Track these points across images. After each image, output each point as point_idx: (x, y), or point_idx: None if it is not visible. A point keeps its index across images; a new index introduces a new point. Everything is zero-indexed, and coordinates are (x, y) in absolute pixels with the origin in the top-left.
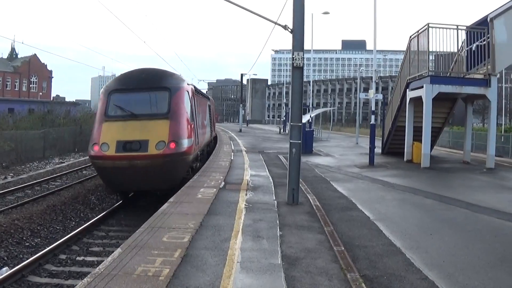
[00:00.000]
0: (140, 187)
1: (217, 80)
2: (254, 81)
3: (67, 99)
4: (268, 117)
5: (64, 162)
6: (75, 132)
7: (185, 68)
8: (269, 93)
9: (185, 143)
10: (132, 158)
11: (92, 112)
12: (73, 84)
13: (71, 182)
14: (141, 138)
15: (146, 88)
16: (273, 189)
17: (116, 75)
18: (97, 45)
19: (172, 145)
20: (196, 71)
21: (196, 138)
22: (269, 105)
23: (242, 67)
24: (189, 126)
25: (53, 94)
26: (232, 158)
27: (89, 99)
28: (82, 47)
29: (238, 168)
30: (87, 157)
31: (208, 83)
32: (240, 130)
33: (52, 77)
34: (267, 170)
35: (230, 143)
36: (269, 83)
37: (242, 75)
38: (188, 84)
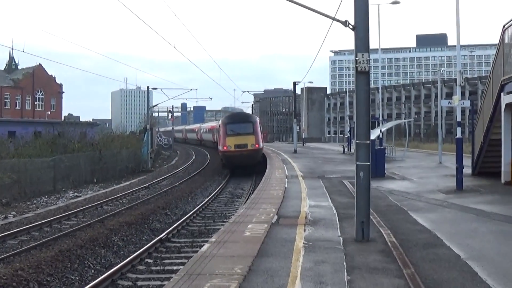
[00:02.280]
0: (243, 164)
1: (264, 91)
2: (309, 91)
3: (82, 119)
4: (329, 133)
5: (80, 196)
6: (93, 158)
7: (224, 78)
8: (329, 104)
9: (261, 144)
10: (241, 151)
11: (114, 134)
12: (89, 100)
13: (90, 221)
14: (244, 142)
15: (242, 122)
16: (337, 222)
17: (141, 88)
18: (117, 52)
19: (256, 145)
20: (239, 79)
21: (262, 142)
22: (329, 119)
23: (294, 74)
24: (261, 137)
25: (64, 113)
26: (286, 185)
27: (109, 117)
28: (99, 55)
29: (293, 198)
30: (109, 189)
31: (254, 94)
32: (295, 151)
33: (63, 92)
34: (329, 199)
35: (283, 167)
36: (328, 91)
37: (294, 84)
38: (257, 118)
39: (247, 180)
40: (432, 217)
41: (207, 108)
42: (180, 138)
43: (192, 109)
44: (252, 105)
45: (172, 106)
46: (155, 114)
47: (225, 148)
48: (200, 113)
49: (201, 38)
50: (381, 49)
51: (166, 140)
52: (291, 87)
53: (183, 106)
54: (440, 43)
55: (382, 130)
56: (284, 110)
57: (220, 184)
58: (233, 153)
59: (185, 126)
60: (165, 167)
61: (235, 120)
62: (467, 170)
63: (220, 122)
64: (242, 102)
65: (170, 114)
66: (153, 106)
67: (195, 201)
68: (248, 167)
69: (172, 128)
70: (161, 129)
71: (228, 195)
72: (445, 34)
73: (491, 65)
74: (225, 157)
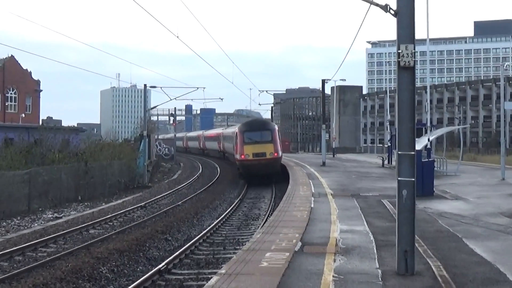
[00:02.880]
0: (261, 173)
1: (287, 90)
2: (341, 90)
3: (64, 123)
4: (365, 142)
5: (61, 217)
6: (78, 172)
7: (238, 74)
8: (365, 107)
9: (280, 153)
10: (260, 160)
11: (104, 142)
12: (73, 100)
13: (72, 247)
14: (262, 151)
15: (260, 129)
16: (375, 251)
17: (137, 86)
18: (108, 42)
19: (275, 154)
20: (255, 76)
21: (281, 151)
22: (365, 125)
23: (322, 69)
24: (280, 145)
25: (42, 116)
26: (312, 205)
27: (98, 122)
28: (86, 46)
29: (321, 221)
30: (96, 209)
31: (274, 94)
32: (323, 164)
33: (41, 91)
34: (365, 223)
35: (309, 184)
36: (365, 91)
37: (323, 82)
38: (276, 126)
39: (264, 199)
40: (493, 246)
41: (216, 111)
42: (181, 147)
43: (198, 112)
44: (272, 107)
45: (175, 108)
46: (154, 118)
47: (242, 156)
48: (208, 116)
49: (210, 26)
50: (430, 39)
51: (166, 149)
52: (319, 86)
53: (188, 108)
54: (504, 32)
55: (431, 138)
56: (310, 113)
57: (232, 204)
58: (251, 162)
59: (186, 133)
60: (166, 183)
61: (253, 127)
62: None
63: (236, 130)
64: (260, 104)
65: (171, 118)
66: (152, 108)
67: (201, 224)
68: (265, 177)
69: (174, 135)
70: (161, 136)
71: (242, 216)
72: (510, 20)
73: None
74: (242, 166)
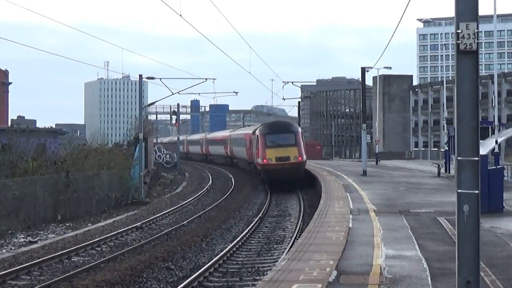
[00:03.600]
0: (284, 178)
1: (318, 81)
2: (386, 81)
3: (39, 124)
4: (416, 146)
5: (35, 242)
6: (57, 184)
7: (257, 61)
8: (416, 102)
9: (304, 157)
10: (283, 165)
11: (90, 147)
12: (51, 95)
13: (50, 279)
14: (286, 155)
15: (283, 132)
16: (429, 282)
17: (130, 76)
18: (94, 23)
19: (300, 158)
20: (278, 64)
21: (305, 154)
22: (416, 124)
23: (362, 55)
24: (304, 149)
25: (12, 115)
26: (350, 225)
27: (82, 122)
28: (67, 28)
29: (361, 244)
30: (81, 230)
31: (302, 87)
32: (364, 173)
33: (9, 84)
34: (416, 247)
35: (347, 197)
36: (415, 82)
37: (363, 70)
38: (300, 128)
39: (290, 217)
40: None
41: (230, 108)
42: (181, 152)
43: (207, 109)
44: (299, 103)
45: (178, 104)
46: (152, 117)
47: (265, 161)
48: (219, 114)
49: (221, 1)
50: (498, 16)
51: (168, 156)
52: (357, 76)
53: (195, 104)
54: None
55: (499, 140)
56: (347, 110)
57: (251, 223)
58: (274, 167)
59: (187, 136)
60: (167, 197)
61: (276, 130)
62: None
63: (257, 132)
64: (284, 99)
65: (174, 117)
66: (149, 105)
67: (212, 249)
68: (288, 183)
69: (177, 138)
70: (161, 140)
71: (263, 239)
72: None
73: None
74: (264, 171)
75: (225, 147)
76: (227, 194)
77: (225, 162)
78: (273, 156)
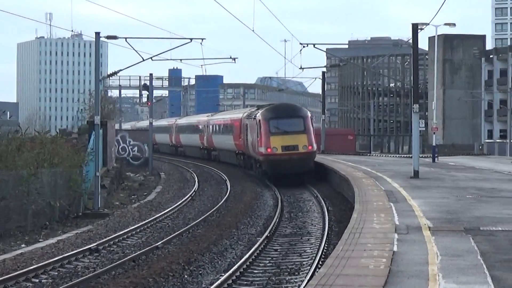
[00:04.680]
0: (292, 171)
1: (350, 43)
2: (448, 43)
3: None
4: (490, 136)
5: None
6: None
7: (263, 13)
8: (490, 73)
9: (314, 146)
10: (290, 155)
11: (24, 136)
12: None
13: None
14: (293, 143)
15: (290, 116)
16: None
17: (83, 36)
18: None
19: (310, 147)
20: (294, 19)
21: (315, 143)
22: (490, 105)
23: (413, 7)
24: (314, 137)
25: None
26: (394, 248)
27: (14, 100)
28: None
29: (411, 276)
30: (10, 254)
31: (328, 51)
32: (415, 174)
33: None
34: (489, 280)
35: (390, 208)
36: (490, 45)
37: (415, 28)
38: (309, 113)
39: (310, 236)
40: None
41: (225, 81)
42: None
43: (193, 82)
44: (324, 73)
45: (151, 75)
46: (114, 93)
47: (268, 150)
48: (210, 90)
49: None
50: None
51: (136, 148)
52: (407, 36)
53: (175, 75)
54: None
55: None
56: (392, 85)
57: (255, 245)
58: (280, 157)
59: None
60: (134, 207)
61: (281, 114)
62: None
63: (260, 117)
64: (302, 68)
65: (145, 93)
66: (110, 76)
67: (198, 281)
68: (296, 176)
69: (150, 123)
70: (127, 125)
71: (270, 267)
72: None
73: None
74: (268, 163)
75: (200, 136)
76: (220, 203)
77: (200, 155)
78: (278, 144)
